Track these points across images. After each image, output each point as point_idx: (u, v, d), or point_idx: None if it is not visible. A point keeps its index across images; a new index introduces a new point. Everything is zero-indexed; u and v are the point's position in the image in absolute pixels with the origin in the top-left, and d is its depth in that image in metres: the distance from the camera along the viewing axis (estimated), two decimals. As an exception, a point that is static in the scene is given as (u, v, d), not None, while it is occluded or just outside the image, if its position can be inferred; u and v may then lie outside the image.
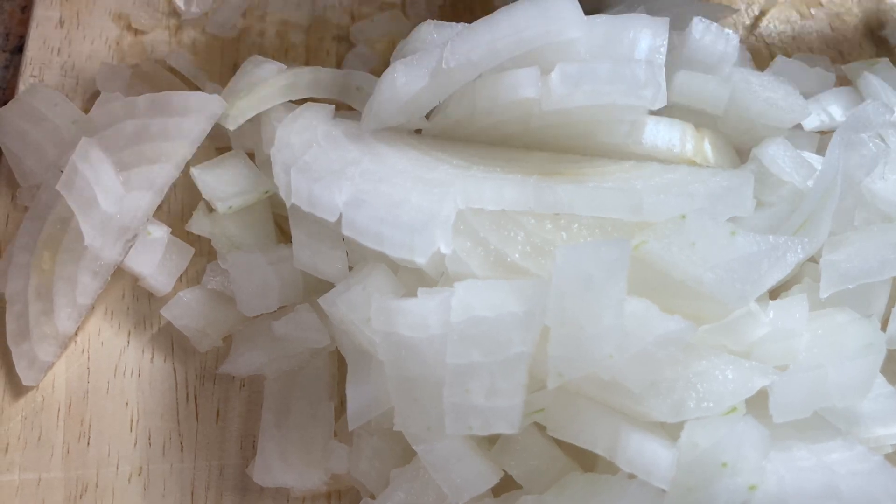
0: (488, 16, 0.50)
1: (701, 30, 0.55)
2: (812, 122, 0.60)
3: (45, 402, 0.53)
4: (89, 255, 0.54)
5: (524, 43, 0.49)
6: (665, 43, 0.51)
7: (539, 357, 0.41)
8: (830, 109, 0.62)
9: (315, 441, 0.50)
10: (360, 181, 0.48)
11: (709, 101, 0.54)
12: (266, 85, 0.58)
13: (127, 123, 0.56)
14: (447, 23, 0.56)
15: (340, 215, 0.47)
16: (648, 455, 0.41)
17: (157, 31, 0.67)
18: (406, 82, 0.51)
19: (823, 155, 0.52)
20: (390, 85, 0.51)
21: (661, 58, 0.50)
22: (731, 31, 0.55)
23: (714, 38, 0.55)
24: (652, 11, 0.54)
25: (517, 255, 0.45)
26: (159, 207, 0.57)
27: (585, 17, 0.50)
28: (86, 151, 0.54)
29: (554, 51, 0.49)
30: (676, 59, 0.55)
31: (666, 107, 0.54)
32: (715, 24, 0.55)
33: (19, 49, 0.69)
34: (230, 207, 0.56)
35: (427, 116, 0.54)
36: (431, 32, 0.56)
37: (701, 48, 0.55)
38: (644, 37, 0.51)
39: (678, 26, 0.56)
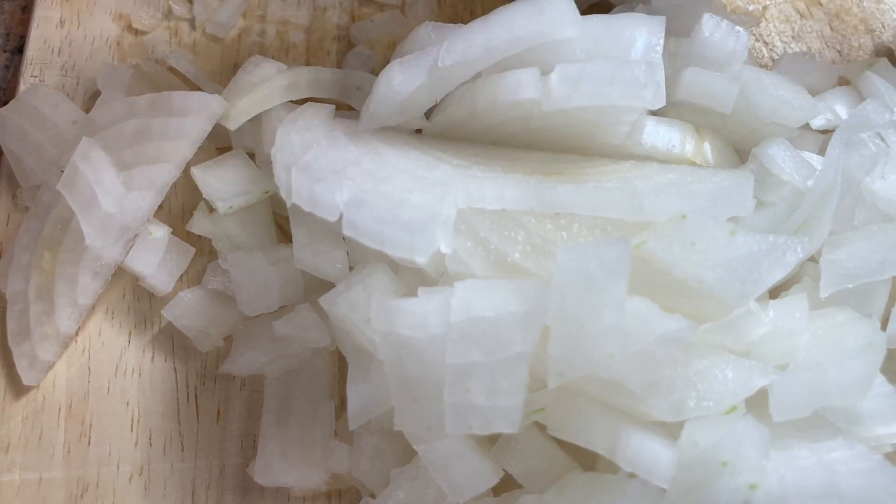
0: (485, 15, 0.50)
1: (711, 27, 0.54)
2: (818, 121, 0.60)
3: (46, 401, 0.53)
4: (90, 255, 0.54)
5: (519, 41, 0.49)
6: (661, 42, 0.51)
7: (539, 356, 0.41)
8: (836, 108, 0.62)
9: (315, 440, 0.51)
10: (361, 181, 0.48)
11: (717, 99, 0.54)
12: (266, 85, 0.58)
13: (128, 123, 0.56)
14: (445, 24, 0.56)
15: (341, 215, 0.47)
16: (649, 454, 0.41)
17: (157, 32, 0.67)
18: (402, 81, 0.51)
19: (824, 154, 0.52)
20: (387, 84, 0.51)
21: (657, 56, 0.50)
22: (741, 29, 0.54)
23: (724, 36, 0.54)
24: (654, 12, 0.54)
25: (517, 255, 0.45)
26: (160, 207, 0.57)
27: (581, 17, 0.50)
28: (86, 151, 0.54)
29: (550, 50, 0.50)
30: (685, 57, 0.55)
31: (674, 105, 0.54)
32: (725, 20, 0.54)
33: (20, 49, 0.69)
34: (231, 207, 0.56)
35: (428, 116, 0.54)
36: (429, 33, 0.56)
37: (710, 45, 0.54)
38: (640, 36, 0.51)
39: (684, 30, 0.56)
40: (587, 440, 0.43)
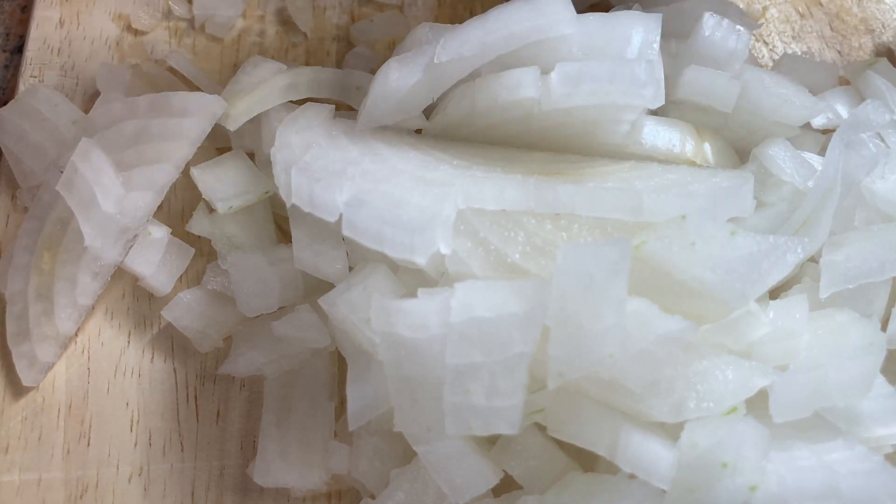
0: (481, 14, 0.50)
1: (711, 25, 0.54)
2: (819, 120, 0.60)
3: (46, 402, 0.53)
4: (89, 256, 0.54)
5: (515, 38, 0.49)
6: (657, 39, 0.51)
7: (539, 357, 0.41)
8: (836, 107, 0.62)
9: (315, 441, 0.50)
10: (361, 181, 0.48)
11: (718, 98, 0.54)
12: (266, 85, 0.58)
13: (127, 124, 0.56)
14: (443, 24, 0.56)
15: (341, 215, 0.47)
16: (649, 455, 0.41)
17: (157, 32, 0.67)
18: (398, 78, 0.51)
19: (824, 155, 0.52)
20: (383, 82, 0.51)
21: (654, 53, 0.50)
22: (741, 28, 0.54)
23: (725, 35, 0.54)
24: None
25: (517, 256, 0.45)
26: (159, 208, 0.57)
27: (577, 15, 0.50)
28: (86, 152, 0.54)
29: (547, 48, 0.50)
30: (686, 57, 0.55)
31: (674, 104, 0.54)
32: (726, 19, 0.54)
33: (19, 49, 0.69)
34: (230, 208, 0.56)
35: (427, 116, 0.54)
36: (427, 34, 0.56)
37: (711, 44, 0.54)
38: (636, 33, 0.51)
39: (684, 31, 0.56)
40: (587, 441, 0.43)
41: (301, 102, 0.57)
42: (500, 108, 0.51)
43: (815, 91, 0.61)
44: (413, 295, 0.43)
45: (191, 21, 0.68)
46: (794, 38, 0.70)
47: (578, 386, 0.43)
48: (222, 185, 0.57)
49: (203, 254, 0.58)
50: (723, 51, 0.54)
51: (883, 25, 0.71)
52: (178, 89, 0.63)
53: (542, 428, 0.45)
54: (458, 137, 0.54)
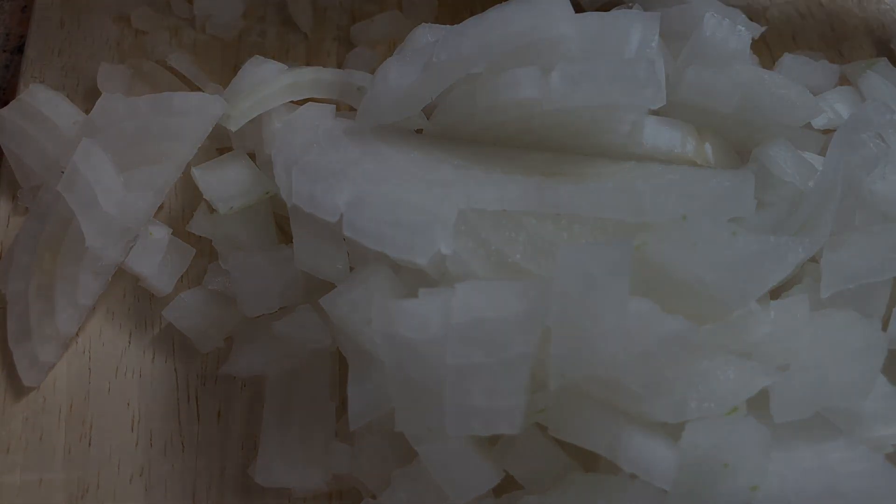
0: (480, 14, 0.50)
1: (712, 26, 0.54)
2: (820, 121, 0.60)
3: (47, 402, 0.53)
4: (90, 256, 0.54)
5: (513, 37, 0.49)
6: (656, 38, 0.51)
7: (541, 357, 0.41)
8: (837, 107, 0.62)
9: (316, 441, 0.51)
10: (362, 182, 0.48)
11: (719, 99, 0.53)
12: (267, 85, 0.58)
13: (128, 124, 0.56)
14: (443, 25, 0.56)
15: (341, 216, 0.47)
16: (650, 455, 0.41)
17: (157, 32, 0.67)
18: (397, 77, 0.51)
19: (825, 155, 0.52)
20: (382, 81, 0.51)
21: (653, 52, 0.50)
22: (742, 28, 0.54)
23: (725, 35, 0.54)
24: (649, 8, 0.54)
25: (518, 256, 0.45)
26: (160, 208, 0.57)
27: (576, 14, 0.50)
28: (87, 152, 0.54)
29: (546, 47, 0.50)
30: (686, 57, 0.55)
31: (675, 104, 0.54)
32: (727, 19, 0.54)
33: (20, 49, 0.69)
34: (231, 208, 0.56)
35: (428, 117, 0.54)
36: (426, 35, 0.56)
37: (712, 45, 0.54)
38: (635, 32, 0.51)
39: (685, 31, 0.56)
40: (588, 441, 0.43)
41: (302, 103, 0.57)
42: (501, 107, 0.51)
43: (815, 91, 0.62)
44: (414, 295, 0.43)
45: (191, 21, 0.68)
46: (794, 38, 0.70)
47: (580, 386, 0.43)
48: (223, 185, 0.57)
49: (204, 254, 0.58)
50: (723, 51, 0.54)
51: (883, 25, 0.71)
52: (179, 89, 0.63)
53: (543, 428, 0.45)
54: (459, 137, 0.54)
